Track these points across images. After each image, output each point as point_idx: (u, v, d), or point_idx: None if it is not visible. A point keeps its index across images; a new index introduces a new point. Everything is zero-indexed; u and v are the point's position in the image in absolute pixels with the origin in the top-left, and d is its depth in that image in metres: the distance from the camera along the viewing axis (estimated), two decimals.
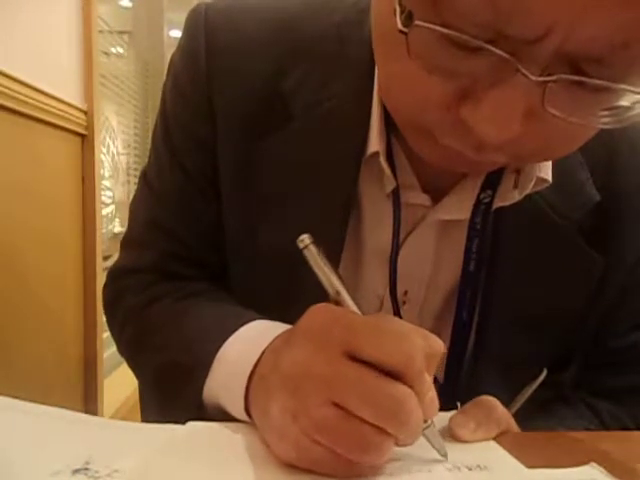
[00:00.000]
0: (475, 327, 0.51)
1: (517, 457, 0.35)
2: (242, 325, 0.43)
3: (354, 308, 0.35)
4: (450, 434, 0.38)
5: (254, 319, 0.44)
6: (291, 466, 0.32)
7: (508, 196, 0.46)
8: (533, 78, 0.30)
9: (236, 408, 0.39)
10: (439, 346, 0.33)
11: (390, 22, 0.32)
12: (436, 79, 0.33)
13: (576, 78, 0.30)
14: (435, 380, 0.51)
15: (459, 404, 0.41)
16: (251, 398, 0.37)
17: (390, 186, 0.47)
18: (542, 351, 0.52)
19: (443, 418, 0.39)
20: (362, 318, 0.33)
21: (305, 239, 0.35)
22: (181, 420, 0.38)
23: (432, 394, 0.32)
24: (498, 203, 0.47)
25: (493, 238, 0.49)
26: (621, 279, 0.51)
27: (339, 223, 0.48)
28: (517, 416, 0.43)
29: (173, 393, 0.45)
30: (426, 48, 0.32)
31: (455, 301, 0.50)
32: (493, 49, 0.30)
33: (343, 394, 0.30)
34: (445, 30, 0.30)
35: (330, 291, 0.35)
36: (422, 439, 0.33)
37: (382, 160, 0.45)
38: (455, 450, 0.36)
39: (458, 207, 0.48)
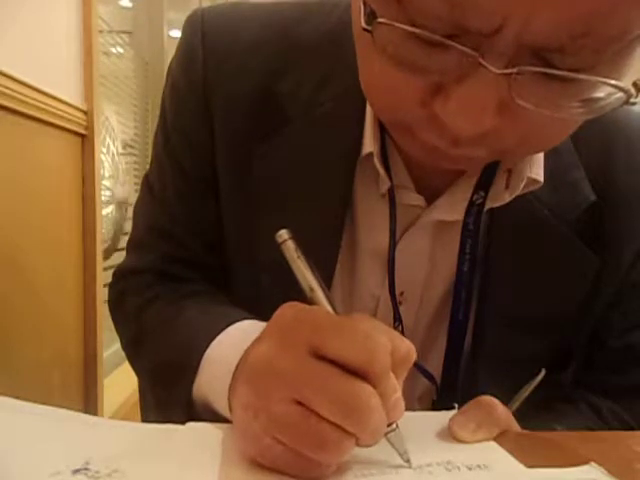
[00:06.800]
0: (472, 327, 0.51)
1: (517, 457, 0.35)
2: (229, 325, 0.44)
3: (327, 306, 0.34)
4: (450, 435, 0.38)
5: (241, 319, 0.44)
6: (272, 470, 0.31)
7: (499, 197, 0.46)
8: (495, 71, 0.30)
9: (223, 408, 0.39)
10: (407, 348, 0.33)
11: (359, 21, 0.32)
12: (408, 76, 0.33)
13: (536, 69, 0.30)
14: (432, 379, 0.52)
15: (457, 405, 0.41)
16: (230, 398, 0.37)
17: (384, 186, 0.47)
18: (540, 350, 0.52)
19: (442, 418, 0.39)
20: (329, 317, 0.33)
21: (283, 234, 0.35)
22: (176, 420, 0.39)
23: (397, 396, 0.31)
24: (490, 204, 0.47)
25: (487, 239, 0.49)
26: (618, 278, 0.52)
27: (335, 223, 0.48)
28: (518, 415, 0.43)
29: (166, 393, 0.46)
30: (393, 45, 0.32)
31: (451, 301, 0.50)
32: (453, 44, 0.30)
33: (304, 391, 0.30)
34: (406, 27, 0.30)
35: (305, 287, 0.35)
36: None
37: (376, 160, 0.45)
38: (455, 450, 0.36)
39: (452, 208, 0.48)
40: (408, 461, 0.33)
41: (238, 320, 0.44)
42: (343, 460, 0.31)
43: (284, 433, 0.30)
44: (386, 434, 0.32)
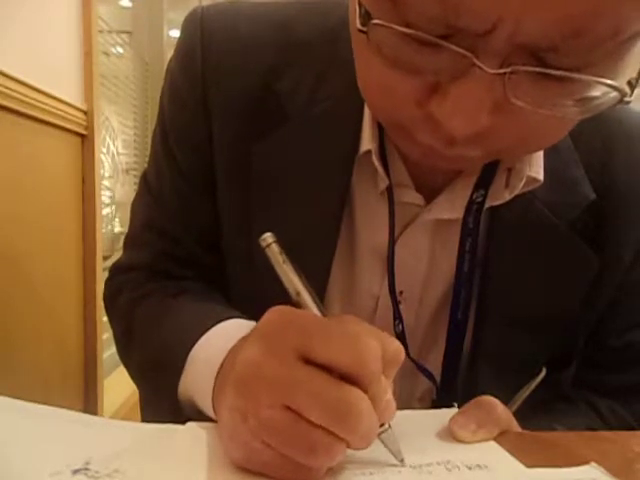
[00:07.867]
0: (472, 326, 0.51)
1: (517, 457, 0.35)
2: (215, 324, 0.43)
3: (314, 309, 0.34)
4: (451, 435, 0.38)
5: (228, 318, 0.44)
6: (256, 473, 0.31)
7: (499, 195, 0.46)
8: (489, 70, 0.30)
9: (207, 407, 0.39)
10: (396, 349, 0.32)
11: (355, 22, 0.32)
12: (403, 76, 0.33)
13: (531, 69, 0.30)
14: (432, 379, 0.52)
15: (456, 404, 0.41)
16: (214, 398, 0.37)
17: (383, 184, 0.47)
18: (540, 350, 0.52)
19: (442, 416, 0.39)
20: (318, 320, 0.33)
21: (267, 238, 0.35)
22: (162, 419, 0.39)
23: (388, 398, 0.31)
24: (490, 202, 0.47)
25: (487, 237, 0.49)
26: (618, 278, 0.51)
27: (333, 222, 0.48)
28: (518, 415, 0.43)
29: (153, 391, 0.46)
30: (388, 46, 0.32)
31: (451, 300, 0.50)
32: (448, 44, 0.30)
33: (293, 396, 0.29)
34: (400, 28, 0.30)
35: (291, 291, 0.34)
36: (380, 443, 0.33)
37: (374, 158, 0.45)
38: (455, 450, 0.36)
39: (451, 206, 0.48)
40: (402, 460, 0.33)
41: (225, 319, 0.44)
42: (334, 464, 0.31)
43: (273, 437, 0.30)
44: (379, 435, 0.32)
